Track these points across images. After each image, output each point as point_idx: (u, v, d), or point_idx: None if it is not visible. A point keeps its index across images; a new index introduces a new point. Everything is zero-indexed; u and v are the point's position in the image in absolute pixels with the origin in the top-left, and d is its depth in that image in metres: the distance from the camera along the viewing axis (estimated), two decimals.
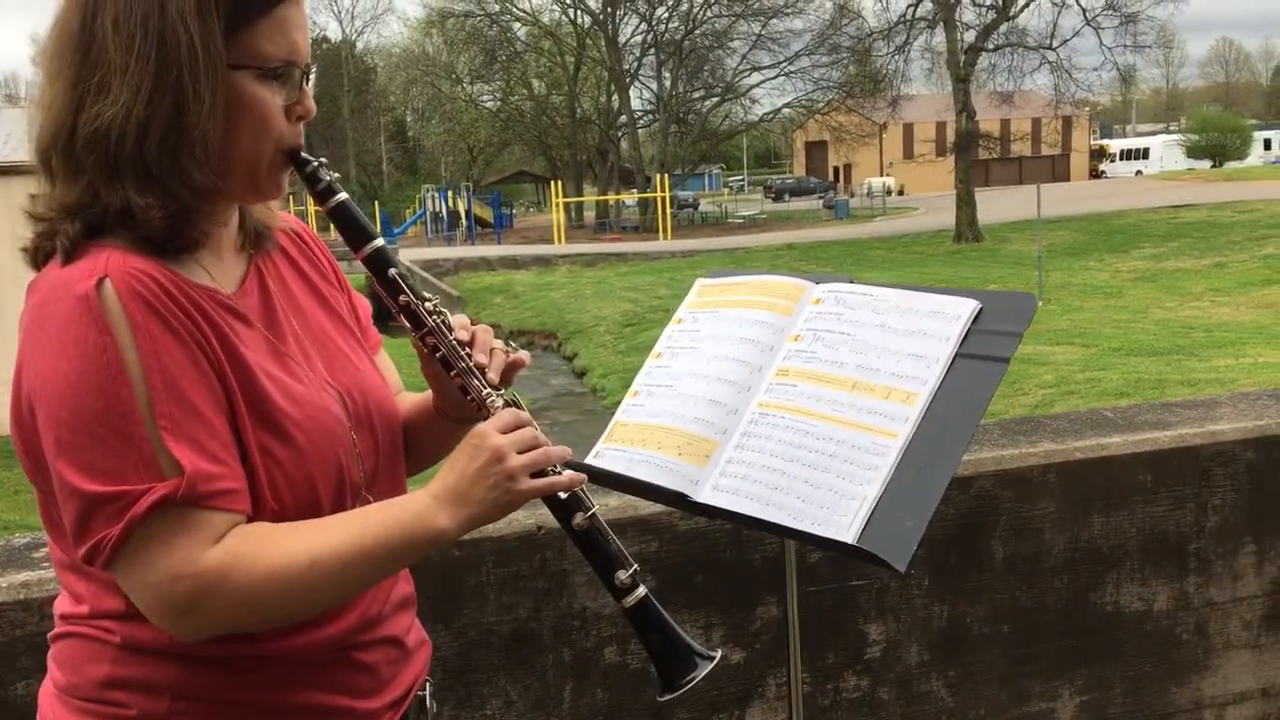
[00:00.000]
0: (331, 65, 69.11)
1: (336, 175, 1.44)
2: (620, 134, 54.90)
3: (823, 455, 1.61)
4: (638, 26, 52.11)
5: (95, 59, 1.27)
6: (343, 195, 1.44)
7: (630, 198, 53.12)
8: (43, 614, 2.07)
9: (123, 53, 1.26)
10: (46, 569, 2.13)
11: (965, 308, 1.65)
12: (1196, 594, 2.93)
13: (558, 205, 44.85)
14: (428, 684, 1.58)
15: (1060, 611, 2.81)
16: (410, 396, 1.64)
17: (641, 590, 1.45)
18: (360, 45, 74.82)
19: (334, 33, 74.98)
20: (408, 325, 1.46)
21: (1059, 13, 36.97)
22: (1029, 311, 1.62)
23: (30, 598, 2.09)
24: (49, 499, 1.31)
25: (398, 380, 1.64)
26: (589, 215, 54.97)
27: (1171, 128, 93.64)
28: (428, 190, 54.67)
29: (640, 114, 54.40)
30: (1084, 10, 37.06)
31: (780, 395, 1.72)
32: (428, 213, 51.70)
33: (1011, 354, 1.57)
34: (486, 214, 50.84)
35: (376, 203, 50.85)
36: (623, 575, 1.44)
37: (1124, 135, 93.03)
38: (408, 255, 34.59)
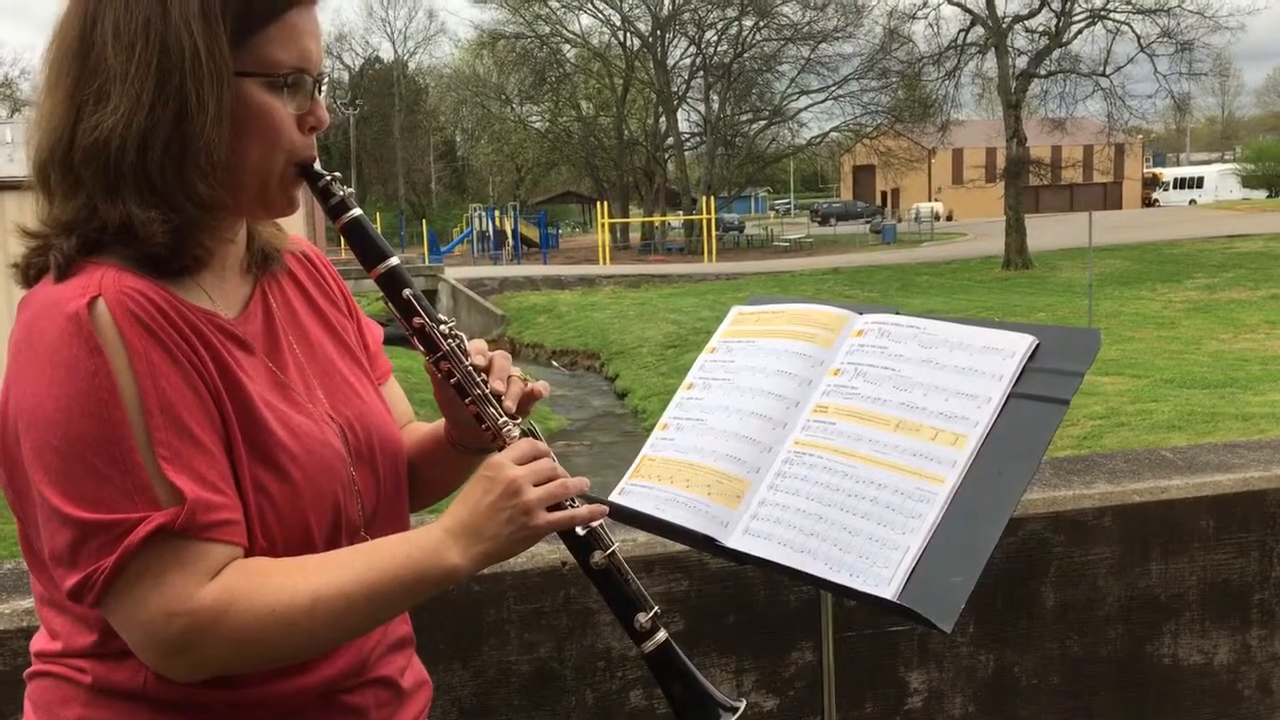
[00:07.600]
0: (384, 85, 69.93)
1: (350, 190, 1.36)
2: (667, 156, 54.88)
3: (863, 500, 1.49)
4: (686, 49, 52.16)
5: (94, 67, 1.20)
6: (356, 211, 1.36)
7: (676, 219, 53.07)
8: None
9: (123, 59, 1.19)
10: None
11: (1021, 344, 1.52)
12: (1260, 647, 2.76)
13: (603, 226, 44.87)
14: None
15: (1114, 662, 2.66)
16: (419, 426, 1.55)
17: (662, 635, 1.36)
18: (412, 66, 75.65)
19: (386, 53, 75.68)
20: (421, 349, 1.37)
21: (1113, 40, 36.48)
22: (1092, 350, 1.48)
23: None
24: (31, 529, 1.23)
25: (408, 410, 1.55)
26: (634, 236, 54.93)
27: (1227, 157, 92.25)
28: (475, 209, 54.95)
29: (687, 136, 54.34)
30: (1139, 37, 36.51)
31: (818, 433, 1.60)
32: (474, 232, 51.97)
33: (1072, 395, 1.44)
34: (532, 233, 50.95)
35: (425, 221, 51.24)
36: (643, 618, 1.35)
37: (1178, 164, 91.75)
38: (454, 273, 34.66)
